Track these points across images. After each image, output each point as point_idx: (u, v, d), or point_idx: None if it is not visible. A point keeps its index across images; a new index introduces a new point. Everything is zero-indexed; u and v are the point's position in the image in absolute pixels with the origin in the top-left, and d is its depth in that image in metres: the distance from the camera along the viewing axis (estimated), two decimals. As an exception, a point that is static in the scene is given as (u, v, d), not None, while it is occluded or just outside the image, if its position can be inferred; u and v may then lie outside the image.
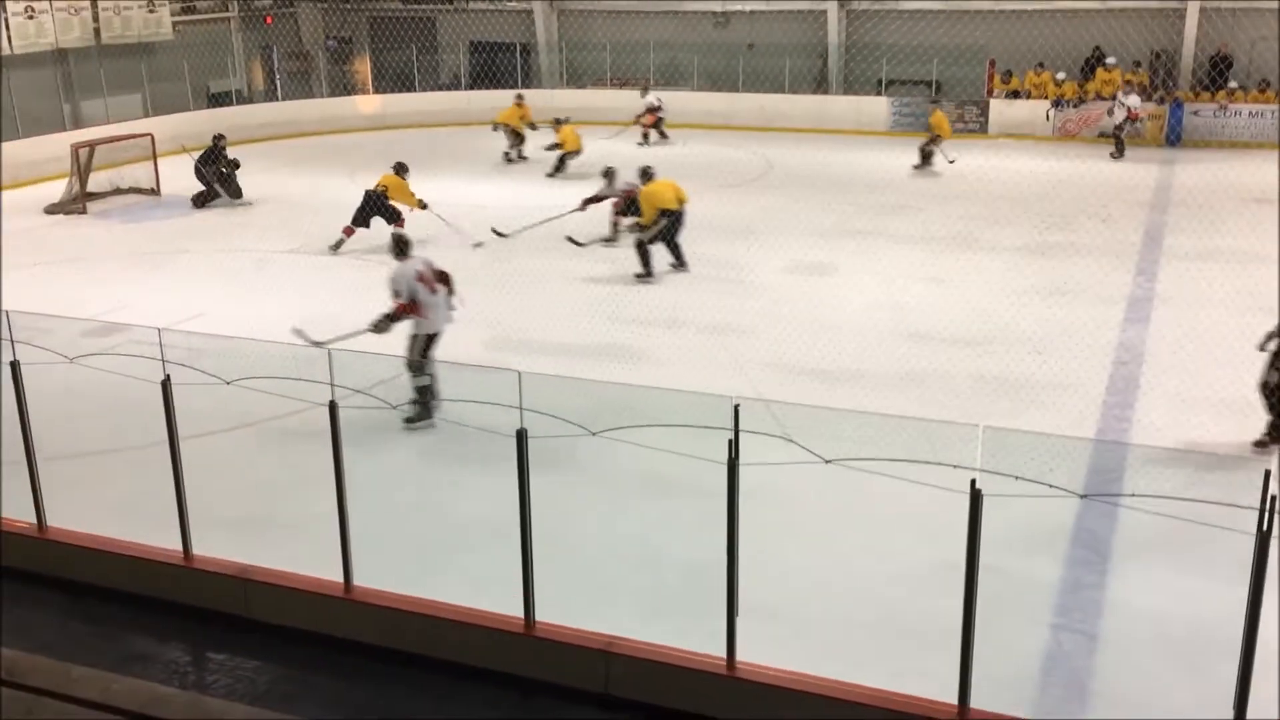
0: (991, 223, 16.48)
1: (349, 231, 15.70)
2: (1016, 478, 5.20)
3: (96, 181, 19.50)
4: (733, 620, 5.72)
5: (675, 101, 26.60)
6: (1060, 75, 24.56)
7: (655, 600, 6.88)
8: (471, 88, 27.91)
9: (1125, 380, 10.41)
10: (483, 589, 6.47)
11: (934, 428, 5.81)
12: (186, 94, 25.15)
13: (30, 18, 22.73)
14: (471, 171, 21.57)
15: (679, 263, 14.36)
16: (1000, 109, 24.75)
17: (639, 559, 7.42)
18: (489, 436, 5.98)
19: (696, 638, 5.92)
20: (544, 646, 6.11)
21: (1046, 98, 24.48)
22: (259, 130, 25.11)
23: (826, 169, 20.48)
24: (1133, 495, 7.70)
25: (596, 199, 16.09)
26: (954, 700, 5.42)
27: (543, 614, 6.16)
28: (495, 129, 22.69)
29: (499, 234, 15.92)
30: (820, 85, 27.23)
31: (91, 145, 19.45)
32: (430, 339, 9.43)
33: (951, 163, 20.01)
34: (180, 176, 19.25)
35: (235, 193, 19.00)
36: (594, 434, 5.81)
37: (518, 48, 28.62)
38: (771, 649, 5.90)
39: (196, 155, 18.93)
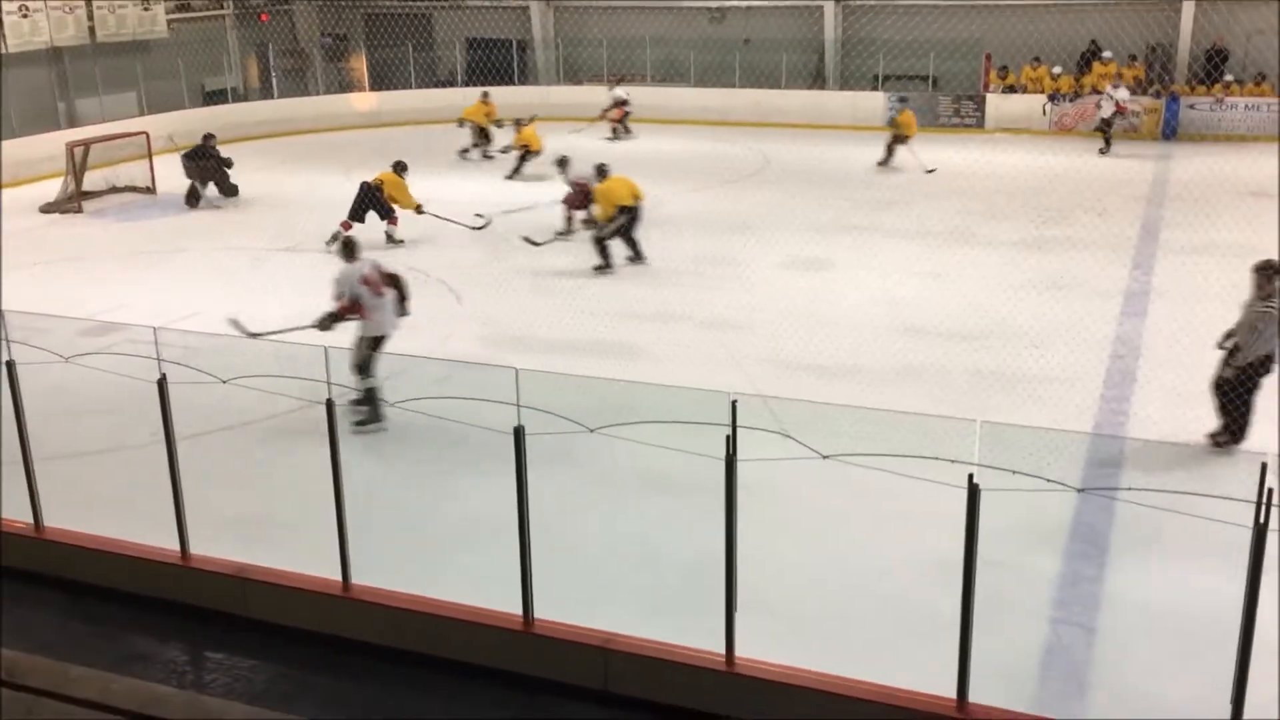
0: (988, 217, 16.47)
1: (346, 226, 15.69)
2: (1014, 472, 5.20)
3: (92, 180, 19.45)
4: (731, 616, 5.72)
5: (672, 98, 26.63)
6: (1056, 69, 24.57)
7: (654, 597, 6.88)
8: (467, 84, 27.86)
9: (1122, 374, 10.42)
10: (481, 587, 6.47)
11: (931, 423, 5.80)
12: (182, 92, 25.12)
13: (25, 16, 22.68)
14: (464, 169, 21.58)
15: (636, 256, 14.46)
16: (996, 103, 24.75)
17: (638, 556, 7.42)
18: (487, 434, 5.97)
19: (695, 634, 5.92)
20: (543, 644, 6.11)
21: (1043, 92, 24.47)
22: (255, 128, 25.07)
23: (823, 164, 20.46)
24: (1130, 489, 7.72)
25: (575, 193, 16.00)
26: (953, 694, 5.43)
27: (541, 611, 6.16)
28: (460, 125, 22.61)
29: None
30: (816, 80, 27.22)
31: (87, 144, 19.41)
32: (376, 341, 9.40)
33: (930, 172, 19.72)
34: (176, 175, 19.19)
35: (228, 190, 18.92)
36: (592, 431, 5.81)
37: (514, 44, 28.58)
38: (770, 644, 5.90)
39: (182, 152, 18.91)
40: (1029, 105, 24.37)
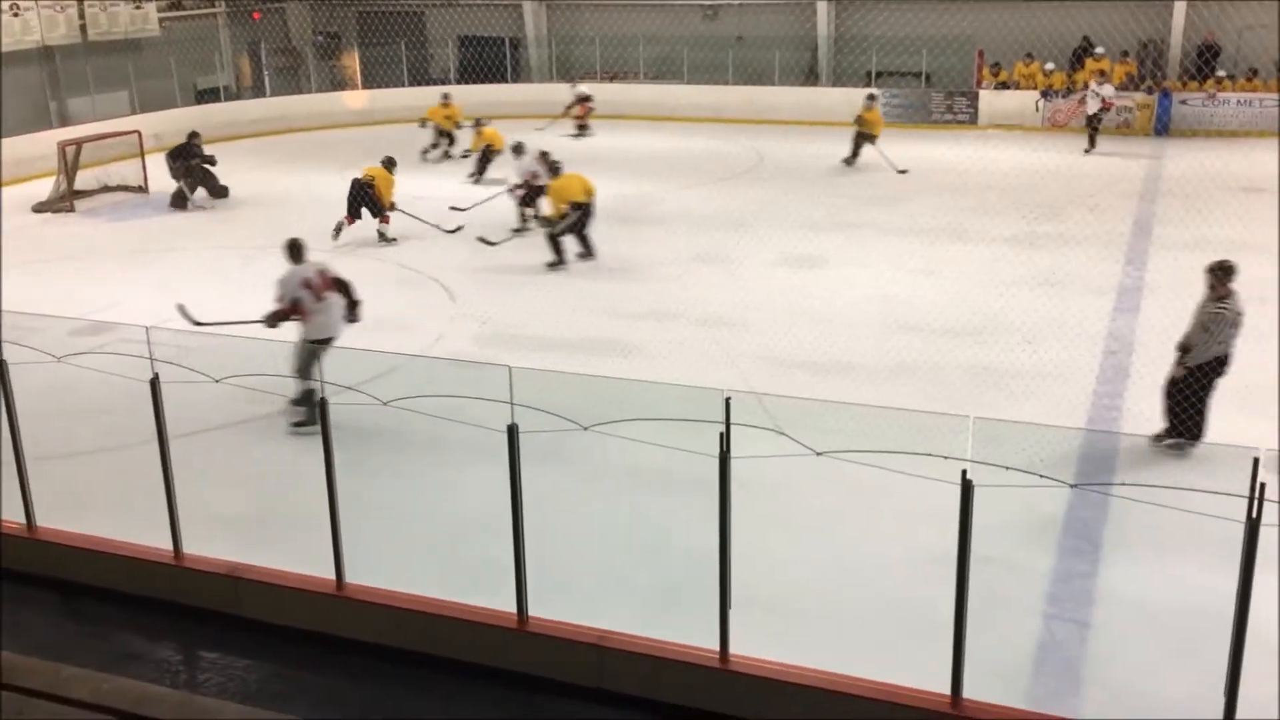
0: (981, 214, 16.49)
1: (349, 221, 15.79)
2: (1007, 468, 5.20)
3: (84, 179, 19.40)
4: (725, 613, 5.73)
5: (665, 95, 26.63)
6: (1049, 66, 24.59)
7: (649, 594, 6.88)
8: (460, 82, 27.84)
9: (1115, 370, 10.43)
10: (475, 585, 6.47)
11: (924, 419, 5.80)
12: (174, 91, 25.05)
13: (16, 15, 22.61)
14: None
15: (587, 252, 14.49)
16: (989, 100, 24.77)
17: (632, 553, 7.42)
18: (480, 432, 5.96)
19: (690, 631, 5.92)
20: (537, 642, 6.11)
21: (1035, 88, 24.49)
22: (248, 126, 25.04)
23: (817, 161, 20.45)
24: (1123, 484, 7.72)
25: (523, 185, 16.12)
26: (948, 691, 5.43)
27: (536, 609, 6.16)
28: (423, 125, 22.37)
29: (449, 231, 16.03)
30: (810, 77, 27.22)
31: (79, 143, 19.35)
32: (316, 344, 9.36)
33: (901, 173, 19.54)
34: (168, 174, 19.15)
35: (217, 191, 18.79)
36: (585, 428, 5.80)
37: (506, 42, 28.56)
38: (764, 641, 5.91)
39: (167, 151, 18.84)
40: (1022, 101, 24.39)
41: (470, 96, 25.59)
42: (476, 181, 19.28)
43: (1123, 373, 10.41)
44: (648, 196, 18.45)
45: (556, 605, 6.22)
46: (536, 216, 15.72)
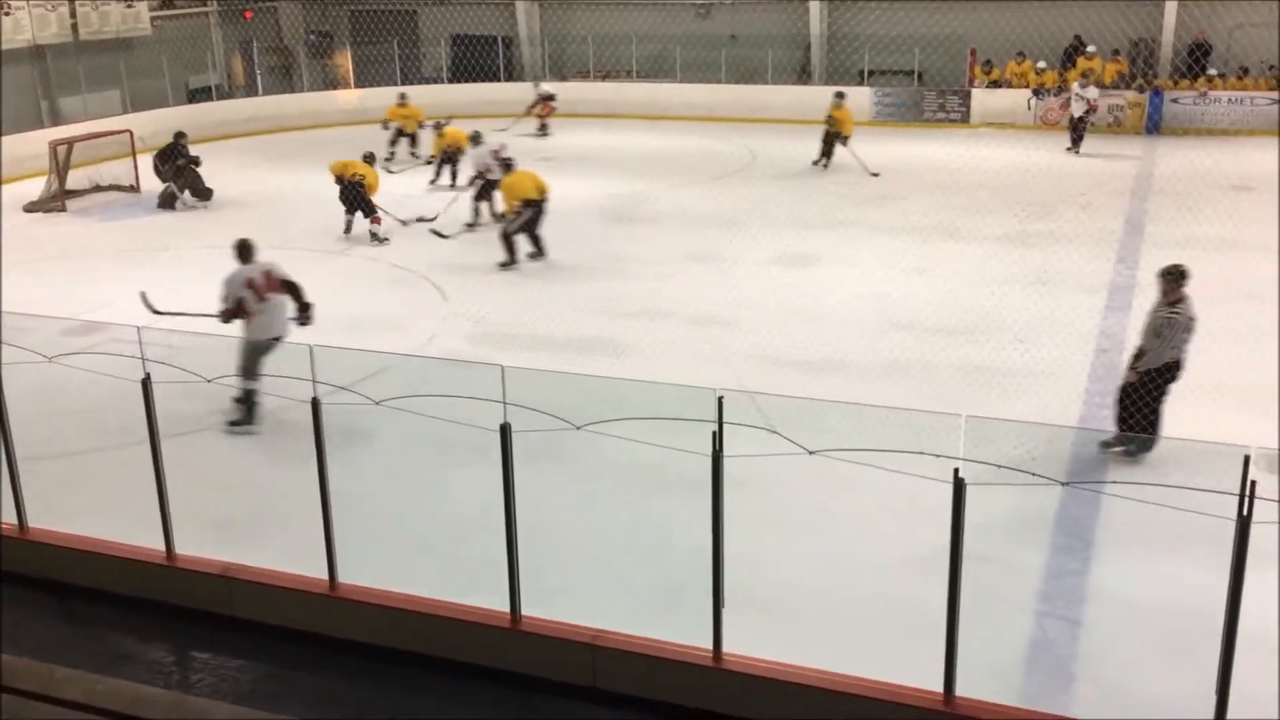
0: (973, 212, 16.50)
1: (376, 221, 15.83)
2: (999, 466, 5.22)
3: (75, 179, 19.33)
4: (719, 612, 5.73)
5: (658, 94, 26.63)
6: (1040, 64, 24.62)
7: (642, 593, 6.88)
8: (453, 81, 27.83)
9: (1107, 368, 10.45)
10: (469, 585, 6.47)
11: (917, 417, 5.82)
12: (166, 90, 24.98)
13: (6, 14, 22.54)
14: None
15: (538, 252, 14.46)
16: (981, 98, 24.79)
17: (625, 552, 7.42)
18: (474, 432, 5.97)
19: (683, 630, 5.93)
20: (531, 641, 6.11)
21: (1027, 87, 24.53)
22: (240, 125, 24.98)
23: (809, 160, 20.51)
24: (1115, 482, 7.76)
25: (478, 176, 16.21)
26: (940, 689, 5.45)
27: (529, 609, 6.16)
28: (385, 126, 21.93)
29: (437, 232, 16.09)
30: (803, 76, 27.23)
31: (70, 142, 19.29)
32: (259, 344, 9.38)
33: (874, 175, 19.37)
34: (154, 175, 19.10)
35: (201, 193, 18.66)
36: (578, 428, 5.80)
37: (499, 40, 28.54)
38: (757, 640, 5.91)
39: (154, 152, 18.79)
40: (1013, 100, 24.42)
41: (463, 95, 25.60)
42: (452, 186, 18.56)
43: (1114, 371, 10.41)
44: (640, 195, 18.45)
45: (551, 605, 6.22)
46: (492, 213, 15.78)
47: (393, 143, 21.86)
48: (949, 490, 5.17)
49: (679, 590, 6.59)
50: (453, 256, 15.01)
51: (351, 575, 6.58)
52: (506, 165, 15.03)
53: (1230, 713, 5.00)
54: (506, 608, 6.15)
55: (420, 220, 16.45)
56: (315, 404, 6.32)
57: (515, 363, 6.23)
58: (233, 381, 9.17)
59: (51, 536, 7.30)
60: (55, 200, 18.60)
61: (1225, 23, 23.85)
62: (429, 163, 19.98)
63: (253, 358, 9.26)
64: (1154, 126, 23.30)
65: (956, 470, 5.11)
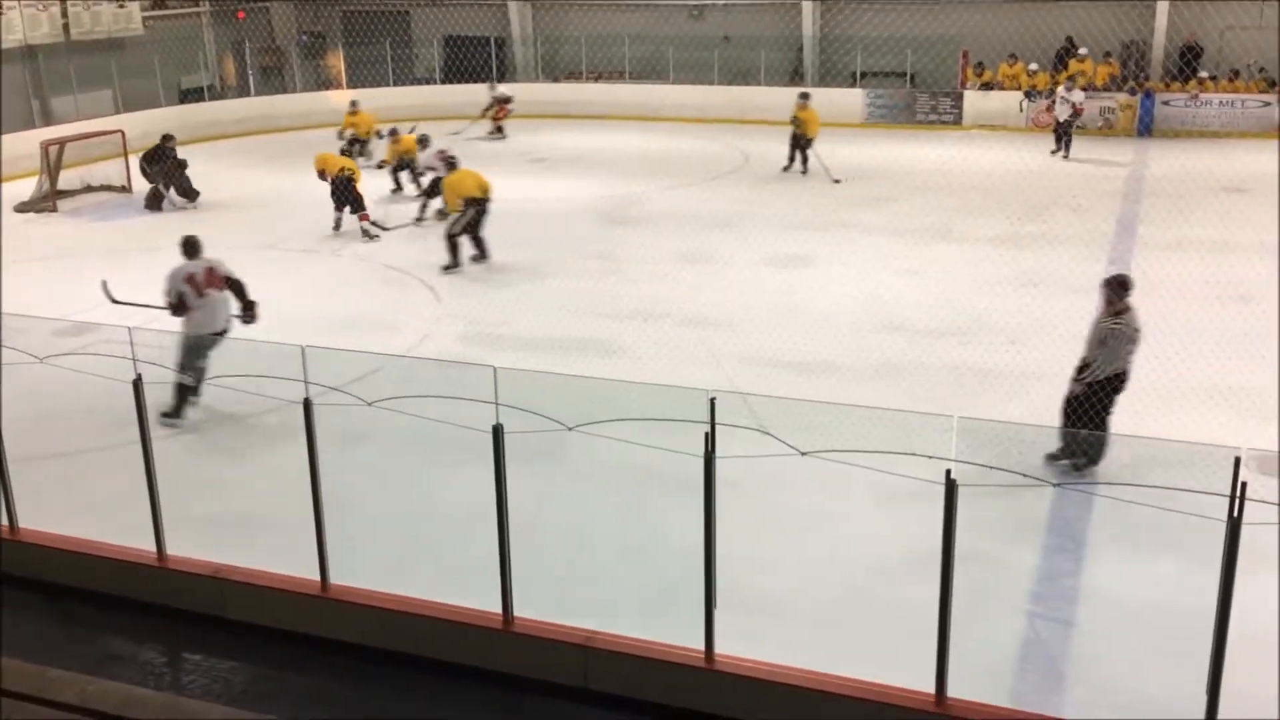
0: (965, 214, 16.54)
1: (365, 218, 15.90)
2: (991, 468, 5.23)
3: (67, 179, 19.30)
4: (711, 613, 5.74)
5: (651, 95, 26.65)
6: (1032, 66, 24.67)
7: (634, 594, 6.88)
8: (446, 82, 27.81)
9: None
10: (461, 586, 6.46)
11: (909, 418, 5.82)
12: (157, 90, 24.94)
13: (-1, 14, 22.51)
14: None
15: (480, 254, 14.45)
16: (973, 100, 24.84)
17: (617, 553, 7.42)
18: (466, 432, 5.96)
19: (675, 630, 5.93)
20: (523, 642, 6.11)
21: (1019, 89, 24.57)
22: (232, 126, 24.95)
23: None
24: (1107, 483, 7.77)
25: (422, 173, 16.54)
26: (932, 689, 5.46)
27: (522, 610, 6.16)
28: (340, 136, 21.27)
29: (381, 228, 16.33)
30: (795, 77, 27.25)
31: (62, 143, 19.25)
32: (197, 339, 9.42)
33: (837, 182, 19.17)
34: (141, 177, 19.05)
35: (189, 193, 18.61)
36: (570, 429, 5.80)
37: (492, 41, 28.52)
38: (750, 641, 5.92)
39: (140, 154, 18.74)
40: (1005, 102, 24.48)
41: (456, 96, 25.59)
42: (419, 192, 18.02)
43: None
44: (633, 196, 18.46)
45: (543, 605, 6.22)
46: (439, 212, 15.88)
47: (345, 151, 21.66)
48: (941, 491, 5.17)
49: (671, 591, 6.59)
50: (445, 257, 14.98)
51: (344, 576, 6.57)
52: (450, 164, 15.01)
53: (1229, 713, 5.01)
54: (498, 608, 6.14)
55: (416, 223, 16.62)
56: (307, 405, 6.31)
57: (508, 363, 6.23)
58: (226, 382, 9.15)
59: (42, 537, 7.28)
60: (46, 200, 18.56)
61: (1216, 25, 23.93)
62: (380, 167, 19.68)
63: (190, 352, 9.30)
64: (1145, 129, 23.36)
65: (948, 471, 5.12)
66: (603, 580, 7.07)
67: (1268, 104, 22.72)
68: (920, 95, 25.27)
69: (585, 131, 24.80)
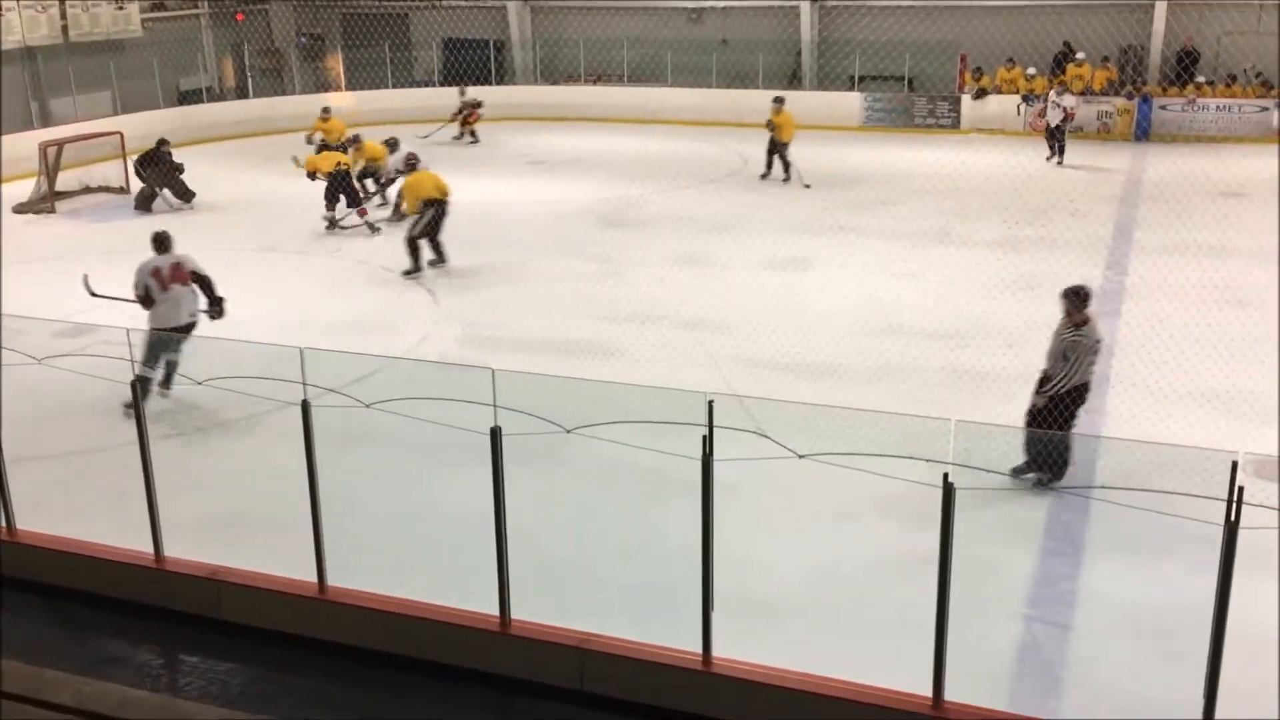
0: (964, 217, 16.56)
1: (363, 212, 15.99)
2: (988, 471, 5.23)
3: (65, 180, 19.29)
4: (708, 615, 5.73)
5: (649, 98, 26.66)
6: (1030, 71, 24.69)
7: (631, 597, 6.88)
8: (445, 84, 27.81)
9: (1096, 373, 10.47)
10: (458, 588, 6.46)
11: (907, 422, 5.83)
12: (156, 92, 24.93)
13: (-3, 15, 22.50)
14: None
15: (439, 258, 14.40)
16: (971, 105, 24.86)
17: (614, 555, 7.42)
18: (464, 434, 5.96)
19: (672, 633, 5.92)
20: (519, 645, 6.10)
21: (1017, 93, 24.59)
22: (230, 128, 24.94)
23: (800, 164, 20.50)
24: (1104, 487, 7.77)
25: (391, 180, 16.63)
26: (929, 692, 5.46)
27: (519, 612, 6.16)
28: (309, 140, 20.72)
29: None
30: (793, 81, 27.28)
31: (60, 144, 19.25)
32: (161, 333, 9.51)
33: (807, 187, 19.03)
34: (135, 179, 19.03)
35: (184, 194, 18.58)
36: (569, 431, 5.80)
37: (491, 44, 28.54)
38: (747, 644, 5.91)
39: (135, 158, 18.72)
40: (1003, 106, 24.50)
41: (455, 99, 25.56)
42: (383, 201, 18.00)
43: (1103, 376, 10.45)
44: (632, 199, 18.46)
45: (540, 608, 6.21)
46: (394, 216, 15.94)
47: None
48: (939, 494, 5.18)
49: (668, 593, 6.59)
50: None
51: (341, 578, 6.56)
52: (411, 164, 14.99)
53: (1229, 715, 5.01)
54: (495, 611, 6.14)
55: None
56: (305, 406, 6.31)
57: (506, 365, 6.23)
58: (225, 384, 9.14)
59: (40, 539, 7.26)
60: (45, 201, 18.55)
61: (1214, 30, 23.96)
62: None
63: (152, 345, 9.34)
64: (1143, 133, 23.39)
65: (946, 475, 5.12)
66: (600, 582, 7.07)
67: (1265, 109, 22.74)
68: (918, 99, 25.30)
69: (583, 134, 24.82)
